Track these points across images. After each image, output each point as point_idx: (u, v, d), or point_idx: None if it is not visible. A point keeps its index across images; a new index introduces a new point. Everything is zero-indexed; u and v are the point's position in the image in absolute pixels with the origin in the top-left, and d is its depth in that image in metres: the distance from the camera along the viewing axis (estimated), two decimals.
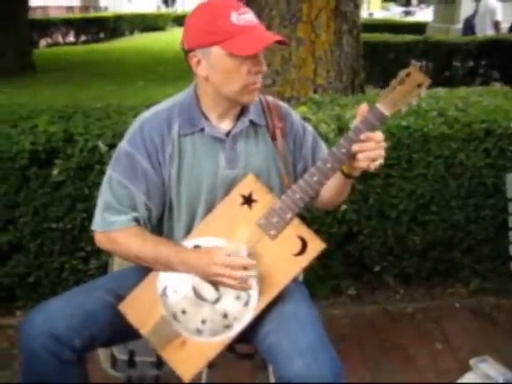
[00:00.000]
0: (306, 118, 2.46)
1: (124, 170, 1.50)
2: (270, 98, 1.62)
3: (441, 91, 2.98)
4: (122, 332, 1.51)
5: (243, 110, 1.54)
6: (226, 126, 1.53)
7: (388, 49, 7.76)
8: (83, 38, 19.96)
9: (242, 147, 1.53)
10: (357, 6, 3.33)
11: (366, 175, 2.34)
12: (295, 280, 1.54)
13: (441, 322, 2.49)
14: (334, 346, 2.31)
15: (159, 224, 1.59)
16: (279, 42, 1.45)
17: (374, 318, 2.54)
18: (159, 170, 1.50)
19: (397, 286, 2.70)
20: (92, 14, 24.04)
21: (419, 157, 2.32)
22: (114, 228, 1.50)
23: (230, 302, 1.44)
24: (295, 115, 1.65)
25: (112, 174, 1.52)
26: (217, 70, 1.42)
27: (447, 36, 9.72)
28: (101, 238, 1.54)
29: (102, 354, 2.01)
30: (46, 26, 18.12)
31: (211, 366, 1.96)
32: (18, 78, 10.77)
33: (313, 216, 2.38)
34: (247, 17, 1.40)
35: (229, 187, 1.52)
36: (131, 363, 1.99)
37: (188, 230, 1.54)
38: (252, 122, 1.54)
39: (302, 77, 3.15)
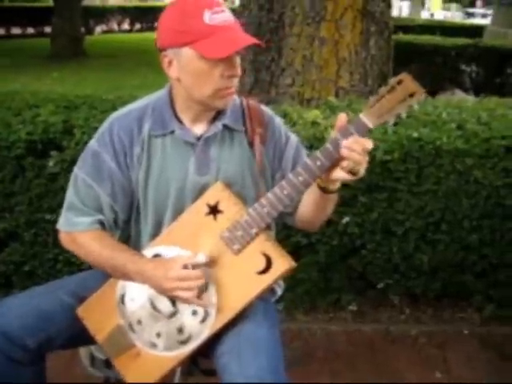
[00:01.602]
0: (315, 123, 2.36)
1: (90, 170, 1.44)
2: (251, 102, 1.52)
3: (469, 101, 2.79)
4: (82, 335, 1.45)
5: (219, 114, 1.44)
6: (199, 129, 1.44)
7: (437, 52, 7.46)
8: (138, 26, 20.29)
9: (214, 152, 1.44)
10: (389, 6, 3.17)
11: (371, 187, 2.21)
12: (262, 297, 1.44)
13: (445, 349, 2.33)
14: (327, 362, 2.24)
15: (126, 227, 1.52)
16: (255, 45, 1.34)
17: (374, 338, 2.40)
18: (126, 171, 1.43)
19: (403, 305, 2.54)
20: (148, 3, 24.38)
21: (429, 171, 2.16)
22: (76, 229, 1.45)
23: (186, 317, 1.36)
24: (279, 122, 1.54)
25: (78, 172, 1.46)
26: (188, 72, 1.33)
27: (505, 41, 9.27)
28: (64, 238, 1.49)
29: (83, 351, 1.97)
30: (102, 13, 18.52)
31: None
32: (68, 63, 11.04)
33: None
34: (222, 16, 1.29)
35: (199, 194, 1.43)
36: (108, 363, 1.95)
37: (154, 236, 1.47)
38: (227, 127, 1.45)
39: (323, 78, 3.03)
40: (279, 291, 1.68)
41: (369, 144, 1.23)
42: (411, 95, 1.29)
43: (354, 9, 2.93)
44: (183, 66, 1.32)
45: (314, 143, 2.20)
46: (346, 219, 2.24)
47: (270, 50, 3.11)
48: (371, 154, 2.10)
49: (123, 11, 19.70)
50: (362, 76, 3.09)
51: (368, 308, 2.54)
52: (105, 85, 8.40)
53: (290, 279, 2.43)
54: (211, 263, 1.35)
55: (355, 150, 1.21)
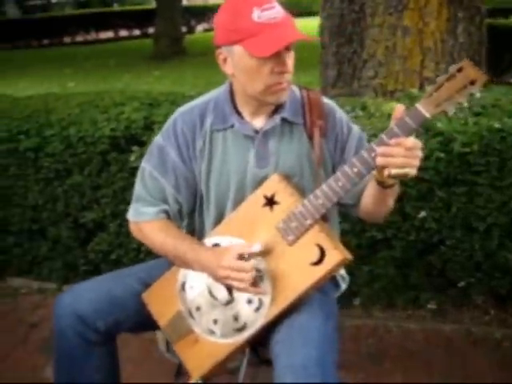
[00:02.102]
0: (391, 115, 2.29)
1: (155, 163, 1.52)
2: (312, 94, 1.52)
3: None
4: (148, 320, 1.53)
5: (278, 107, 1.46)
6: (258, 123, 1.47)
7: None
8: None
9: (273, 145, 1.46)
10: None
11: (449, 180, 2.11)
12: (320, 289, 1.44)
13: None
14: (401, 361, 2.18)
15: (191, 218, 1.59)
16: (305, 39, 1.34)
17: (454, 338, 2.29)
18: (189, 164, 1.50)
19: (487, 306, 2.41)
20: None
21: None
22: (143, 219, 1.53)
23: (241, 305, 1.40)
24: (340, 114, 1.53)
25: (145, 166, 1.54)
26: (240, 69, 1.36)
27: None
28: (133, 228, 1.58)
29: (160, 337, 2.07)
30: (203, 12, 19.05)
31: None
32: (169, 62, 11.50)
33: (388, 221, 2.21)
34: (270, 13, 1.30)
35: (258, 186, 1.46)
36: None
37: (216, 226, 1.52)
38: (286, 120, 1.46)
39: (407, 69, 2.92)
40: (343, 285, 1.67)
41: (410, 142, 1.20)
42: (472, 83, 1.24)
43: None
44: (236, 63, 1.36)
45: None
46: (422, 214, 2.16)
47: (352, 42, 3.06)
48: (449, 146, 2.04)
49: None
50: (450, 65, 2.93)
51: (449, 307, 2.43)
52: (201, 81, 8.65)
53: (367, 274, 2.40)
54: (266, 253, 1.37)
55: (395, 155, 1.20)
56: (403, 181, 2.07)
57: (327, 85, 3.30)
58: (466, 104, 1.28)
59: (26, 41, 16.93)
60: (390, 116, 2.26)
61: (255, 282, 1.35)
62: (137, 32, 18.07)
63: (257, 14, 1.29)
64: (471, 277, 2.30)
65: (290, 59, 1.35)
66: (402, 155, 1.20)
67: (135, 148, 2.30)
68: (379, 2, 2.87)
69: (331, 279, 1.61)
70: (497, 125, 2.00)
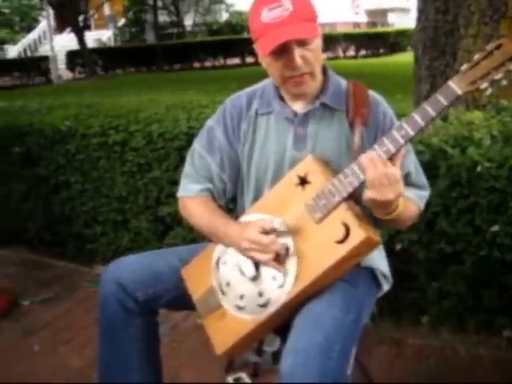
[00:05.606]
0: (470, 123, 2.18)
1: (204, 143, 1.62)
2: (358, 85, 1.54)
3: None
4: (186, 297, 1.57)
5: (319, 93, 1.50)
6: (298, 107, 1.52)
7: None
8: (363, 52, 20.66)
9: (312, 129, 1.50)
10: None
11: None
12: (349, 281, 1.42)
13: None
14: None
15: (234, 201, 1.66)
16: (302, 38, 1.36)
17: None
18: (234, 144, 1.58)
19: None
20: (373, 29, 24.59)
21: None
22: (188, 194, 1.63)
23: (267, 281, 1.40)
24: (385, 108, 1.53)
25: (195, 145, 1.65)
26: (264, 65, 1.45)
27: None
28: (180, 205, 1.68)
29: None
30: (329, 41, 19.27)
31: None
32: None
33: (457, 233, 2.08)
34: (275, 12, 1.34)
35: None
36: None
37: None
38: (326, 105, 1.49)
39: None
40: (385, 286, 1.62)
41: (392, 171, 1.25)
42: (511, 59, 1.21)
43: None
44: (260, 59, 1.45)
45: (461, 142, 2.05)
46: (495, 227, 2.00)
47: (445, 55, 2.95)
48: None
49: (349, 38, 20.29)
50: None
51: None
52: None
53: (436, 291, 2.26)
54: (294, 231, 1.38)
55: (375, 166, 1.26)
56: (473, 190, 1.98)
57: (420, 99, 3.20)
58: None
59: (158, 65, 18.25)
60: (468, 124, 2.18)
61: (281, 259, 1.36)
62: None
63: (264, 15, 1.35)
64: None
65: (303, 53, 1.36)
66: (379, 173, 1.24)
67: None
68: (473, 12, 2.75)
69: (371, 276, 1.57)
70: None
